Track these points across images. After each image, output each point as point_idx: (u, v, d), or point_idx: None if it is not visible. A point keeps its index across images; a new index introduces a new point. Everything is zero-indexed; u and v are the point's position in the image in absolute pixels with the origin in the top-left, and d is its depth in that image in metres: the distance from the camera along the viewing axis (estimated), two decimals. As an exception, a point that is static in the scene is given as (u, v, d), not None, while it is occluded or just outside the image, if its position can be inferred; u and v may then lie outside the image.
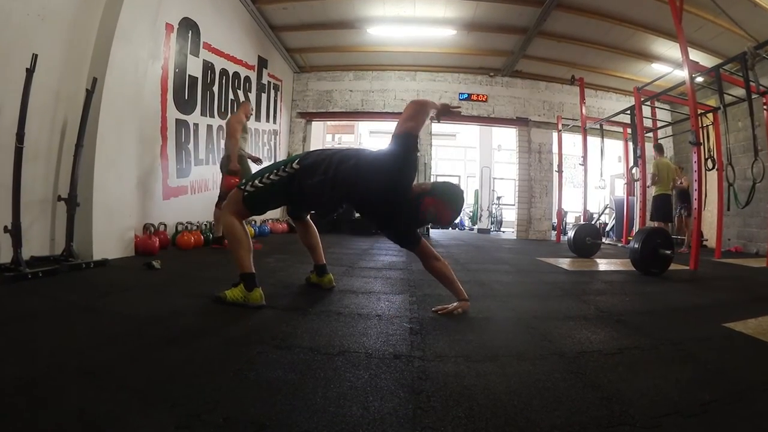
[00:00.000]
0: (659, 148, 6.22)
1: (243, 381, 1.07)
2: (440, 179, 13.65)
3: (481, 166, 12.31)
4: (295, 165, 1.93)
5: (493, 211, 11.65)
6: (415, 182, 1.88)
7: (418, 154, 1.92)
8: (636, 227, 6.88)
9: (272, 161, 7.39)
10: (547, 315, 1.95)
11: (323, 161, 1.92)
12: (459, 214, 1.91)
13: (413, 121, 1.82)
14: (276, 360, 1.24)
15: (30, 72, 2.41)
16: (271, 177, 1.93)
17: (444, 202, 1.79)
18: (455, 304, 1.90)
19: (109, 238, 3.09)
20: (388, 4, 5.94)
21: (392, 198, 1.82)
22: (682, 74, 4.27)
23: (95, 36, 3.05)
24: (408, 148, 1.81)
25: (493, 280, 2.96)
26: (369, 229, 7.63)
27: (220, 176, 4.30)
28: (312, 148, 8.72)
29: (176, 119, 4.48)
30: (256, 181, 1.94)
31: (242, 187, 1.95)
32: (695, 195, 4.07)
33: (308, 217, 2.36)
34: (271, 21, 6.48)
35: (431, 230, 8.37)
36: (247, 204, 1.93)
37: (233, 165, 4.03)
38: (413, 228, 2.00)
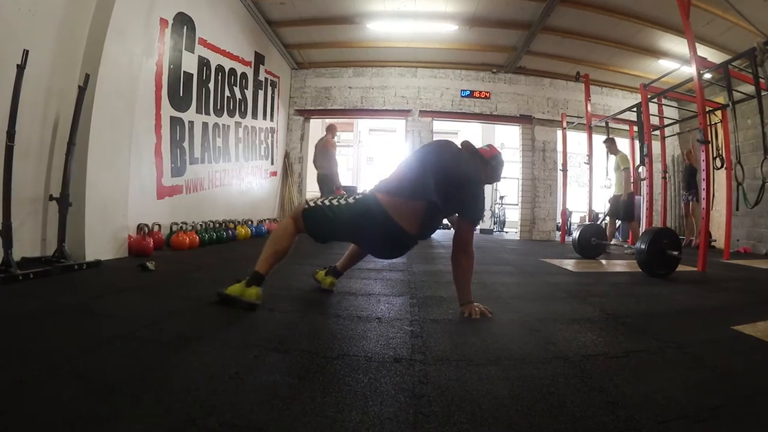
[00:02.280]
0: (613, 141, 6.04)
1: (240, 385, 1.07)
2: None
3: (483, 164, 12.26)
4: (356, 197, 1.94)
5: (496, 210, 11.65)
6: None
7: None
8: (642, 228, 6.88)
9: (269, 160, 7.41)
10: (551, 317, 1.95)
11: (397, 173, 1.96)
12: None
13: None
14: (274, 363, 1.24)
15: (21, 68, 2.41)
16: (333, 202, 1.93)
17: (488, 146, 2.06)
18: (478, 305, 1.90)
19: (102, 238, 3.10)
20: (388, -2, 5.95)
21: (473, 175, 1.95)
22: (690, 70, 4.27)
23: (88, 31, 3.05)
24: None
25: (496, 281, 2.96)
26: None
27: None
28: (310, 147, 8.71)
29: (171, 117, 4.47)
30: (319, 201, 1.96)
31: (308, 201, 1.99)
32: (704, 195, 4.07)
33: None
34: (269, 16, 6.48)
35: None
36: (305, 218, 1.92)
37: (339, 184, 5.81)
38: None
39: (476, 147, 2.04)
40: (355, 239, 2.14)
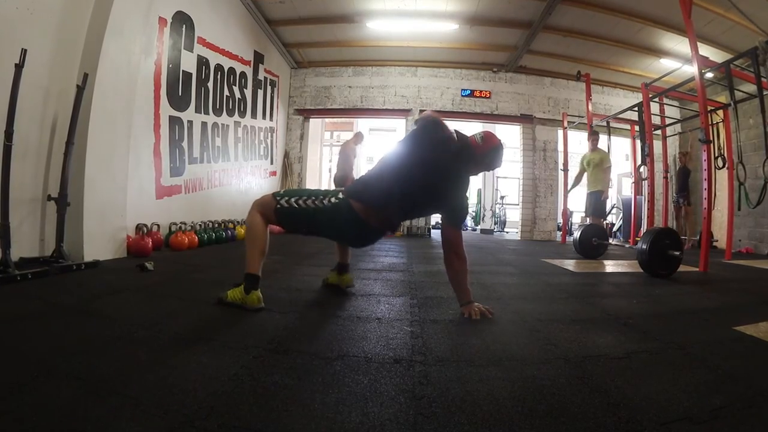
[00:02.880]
0: (598, 135, 5.90)
1: (238, 386, 1.07)
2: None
3: (484, 164, 12.31)
4: (334, 200, 1.89)
5: (497, 210, 11.65)
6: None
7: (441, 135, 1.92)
8: (644, 228, 6.89)
9: (268, 159, 7.41)
10: (551, 318, 1.95)
11: (372, 175, 1.95)
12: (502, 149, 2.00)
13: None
14: (272, 364, 1.24)
15: (19, 67, 2.41)
16: (308, 203, 1.89)
17: (485, 132, 1.96)
18: (478, 305, 1.90)
19: (101, 238, 3.09)
20: (388, -3, 5.95)
21: (439, 164, 1.87)
22: (692, 70, 4.27)
23: (86, 30, 3.05)
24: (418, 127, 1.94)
25: (497, 282, 2.96)
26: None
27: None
28: (309, 147, 8.73)
29: (170, 116, 4.48)
30: (293, 200, 1.91)
31: (277, 198, 1.93)
32: (705, 194, 4.07)
33: None
34: (268, 15, 6.48)
35: (432, 231, 8.37)
36: (278, 215, 1.91)
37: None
38: (464, 202, 2.01)
39: (468, 138, 1.96)
40: (329, 236, 2.17)
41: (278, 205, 1.91)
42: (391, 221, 2.01)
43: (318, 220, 1.90)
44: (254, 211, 1.94)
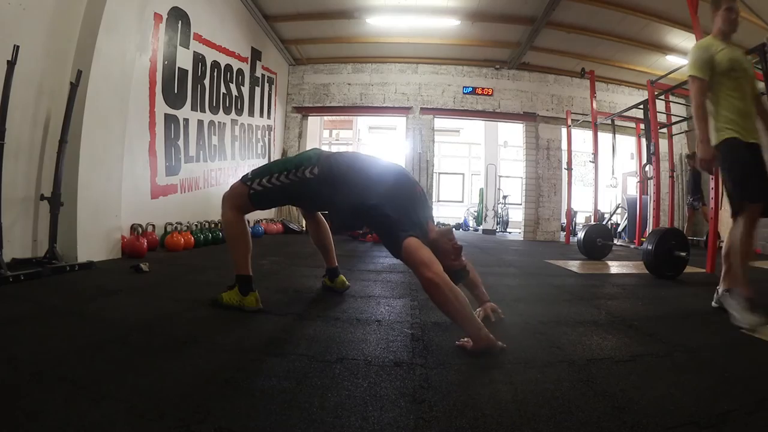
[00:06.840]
0: None
1: (235, 390, 1.07)
2: (443, 177, 13.17)
3: (486, 163, 12.32)
4: (308, 174, 1.84)
5: (499, 210, 11.64)
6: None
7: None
8: (649, 228, 6.89)
9: (266, 158, 7.41)
10: (555, 320, 1.95)
11: (339, 177, 1.82)
12: None
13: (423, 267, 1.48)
14: (270, 368, 1.24)
15: (11, 64, 2.41)
16: (281, 179, 1.87)
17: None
18: (484, 308, 1.86)
19: (95, 239, 3.10)
20: (388, -8, 5.95)
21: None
22: (698, 67, 4.27)
23: (80, 26, 3.05)
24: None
25: (499, 283, 2.96)
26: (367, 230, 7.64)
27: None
28: (308, 145, 8.76)
29: (165, 114, 4.48)
30: (264, 180, 1.88)
31: (248, 184, 1.91)
32: (712, 194, 4.06)
33: (320, 214, 2.38)
34: (265, 10, 6.48)
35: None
36: (253, 200, 1.91)
37: None
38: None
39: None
40: (295, 204, 2.26)
41: (251, 191, 1.89)
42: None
43: (291, 193, 1.91)
44: (227, 208, 1.91)
